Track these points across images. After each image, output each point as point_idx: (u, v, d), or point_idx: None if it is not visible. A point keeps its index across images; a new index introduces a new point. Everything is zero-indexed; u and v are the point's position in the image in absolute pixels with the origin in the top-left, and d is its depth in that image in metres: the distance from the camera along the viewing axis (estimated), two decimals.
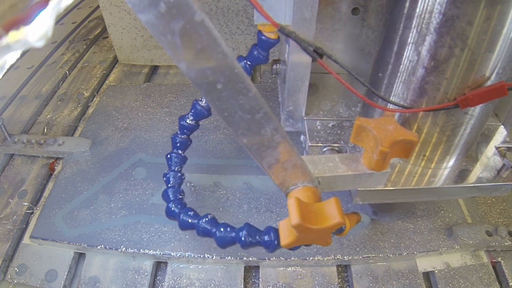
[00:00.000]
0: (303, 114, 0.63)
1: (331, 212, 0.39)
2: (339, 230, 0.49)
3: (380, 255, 0.64)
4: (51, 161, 0.82)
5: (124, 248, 0.65)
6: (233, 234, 0.47)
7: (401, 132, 0.43)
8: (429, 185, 0.54)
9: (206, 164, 0.79)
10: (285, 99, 0.61)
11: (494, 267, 0.65)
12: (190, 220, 0.51)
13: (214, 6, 0.95)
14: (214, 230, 0.48)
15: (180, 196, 0.57)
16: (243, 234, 0.45)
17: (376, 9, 0.63)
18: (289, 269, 0.65)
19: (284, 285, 0.63)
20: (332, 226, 0.39)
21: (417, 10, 0.43)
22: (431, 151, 0.54)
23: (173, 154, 0.61)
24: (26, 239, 0.69)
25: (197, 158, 0.80)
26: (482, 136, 0.61)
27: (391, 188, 0.53)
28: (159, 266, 0.68)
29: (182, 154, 0.62)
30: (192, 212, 0.52)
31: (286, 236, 0.41)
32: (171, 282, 0.63)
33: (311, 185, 0.43)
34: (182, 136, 0.61)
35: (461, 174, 0.56)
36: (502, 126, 0.63)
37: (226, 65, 0.28)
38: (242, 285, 0.63)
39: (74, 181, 0.76)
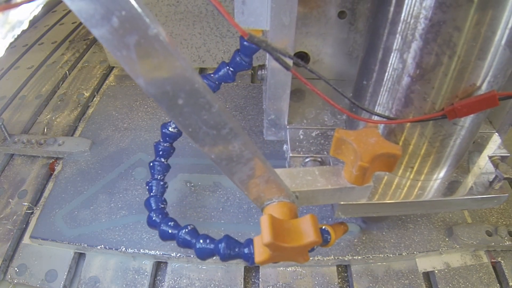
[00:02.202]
0: (286, 123, 0.61)
1: (306, 230, 0.37)
2: (324, 242, 0.48)
3: (380, 255, 0.64)
4: (51, 161, 0.82)
5: (124, 248, 0.65)
6: (212, 246, 0.45)
7: (383, 145, 0.41)
8: (416, 199, 0.52)
9: (206, 164, 0.79)
10: (266, 107, 0.59)
11: (494, 267, 0.65)
12: (170, 231, 0.50)
13: (204, 9, 0.94)
14: (193, 241, 0.47)
15: (162, 206, 0.56)
16: (221, 246, 0.44)
17: (364, 12, 0.60)
18: (289, 269, 0.65)
19: (284, 285, 0.63)
20: (306, 244, 0.37)
21: (402, 14, 0.41)
22: (418, 163, 0.52)
23: (156, 163, 0.60)
24: (26, 239, 0.69)
25: (197, 158, 0.80)
26: (475, 145, 0.58)
27: (375, 202, 0.51)
28: (159, 266, 0.68)
29: (165, 163, 0.60)
30: (172, 223, 0.51)
31: (260, 253, 0.39)
32: (171, 282, 0.63)
33: (287, 201, 0.42)
34: (165, 144, 0.59)
35: (451, 186, 0.53)
36: (496, 133, 0.60)
37: (185, 80, 0.28)
38: (242, 285, 0.63)
39: (74, 181, 0.76)
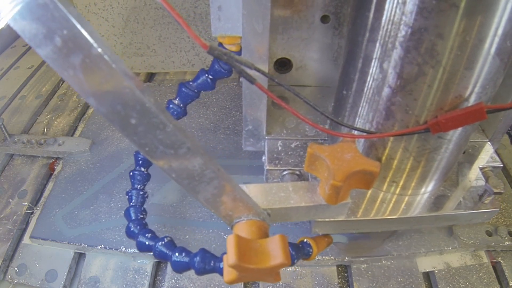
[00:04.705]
0: (264, 133, 0.58)
1: (274, 251, 0.36)
2: (306, 255, 0.47)
3: (380, 255, 0.64)
4: (51, 161, 0.82)
5: (124, 248, 0.65)
6: (187, 260, 0.44)
7: (359, 162, 0.39)
8: (400, 215, 0.50)
9: None
10: (243, 116, 0.56)
11: (494, 267, 0.65)
12: (147, 242, 0.50)
13: (192, 12, 0.94)
14: (170, 254, 0.47)
15: (141, 216, 0.56)
16: (196, 260, 0.43)
17: (349, 17, 0.57)
18: (289, 269, 0.65)
19: (284, 285, 0.63)
20: (273, 266, 0.36)
21: (381, 21, 0.38)
22: (403, 178, 0.49)
23: (136, 172, 0.59)
24: (26, 239, 0.69)
25: None
26: (466, 155, 0.55)
27: (355, 219, 0.49)
28: (159, 266, 0.68)
29: (146, 172, 0.60)
30: (149, 234, 0.51)
31: (228, 273, 0.38)
32: (171, 282, 0.63)
33: (256, 219, 0.40)
34: None
35: (438, 201, 0.51)
36: (488, 143, 0.57)
37: (135, 99, 0.27)
38: (242, 285, 0.63)
39: (74, 181, 0.76)
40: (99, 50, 0.24)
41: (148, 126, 0.29)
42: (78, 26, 0.23)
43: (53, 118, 0.93)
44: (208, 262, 0.43)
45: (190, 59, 1.04)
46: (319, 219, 0.48)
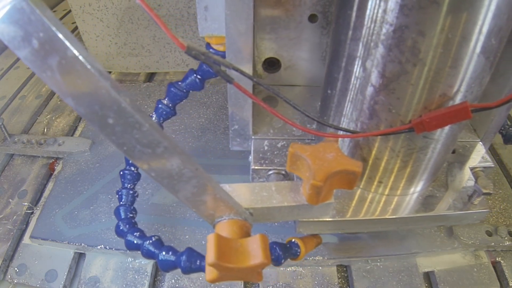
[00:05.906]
0: (251, 133, 0.57)
1: (254, 251, 0.36)
2: (293, 255, 0.47)
3: (380, 255, 0.64)
4: (51, 161, 0.82)
5: (124, 248, 0.65)
6: (174, 258, 0.44)
7: (341, 162, 0.38)
8: (387, 216, 0.49)
9: (206, 164, 0.79)
10: (229, 116, 0.56)
11: (494, 267, 0.65)
12: (135, 241, 0.50)
13: (186, 12, 0.94)
14: (157, 252, 0.47)
15: (131, 215, 0.56)
16: (182, 259, 0.43)
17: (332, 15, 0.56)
18: (289, 269, 0.65)
19: (284, 285, 0.63)
20: (253, 266, 0.36)
21: (363, 19, 0.38)
22: (389, 179, 0.49)
23: (126, 171, 0.59)
24: (26, 239, 0.69)
25: (197, 158, 0.79)
26: (456, 155, 0.55)
27: (340, 219, 0.48)
28: None
29: (136, 171, 0.60)
30: (138, 233, 0.51)
31: (209, 272, 0.38)
32: (171, 282, 0.63)
33: (238, 218, 0.40)
34: None
35: (426, 202, 0.50)
36: (480, 143, 0.56)
37: (112, 100, 0.27)
38: (242, 285, 0.63)
39: (74, 181, 0.76)
40: (75, 51, 0.25)
41: (125, 126, 0.29)
42: (54, 29, 0.24)
43: (53, 118, 0.93)
44: (194, 261, 0.43)
45: (184, 59, 1.04)
46: (304, 219, 0.47)
